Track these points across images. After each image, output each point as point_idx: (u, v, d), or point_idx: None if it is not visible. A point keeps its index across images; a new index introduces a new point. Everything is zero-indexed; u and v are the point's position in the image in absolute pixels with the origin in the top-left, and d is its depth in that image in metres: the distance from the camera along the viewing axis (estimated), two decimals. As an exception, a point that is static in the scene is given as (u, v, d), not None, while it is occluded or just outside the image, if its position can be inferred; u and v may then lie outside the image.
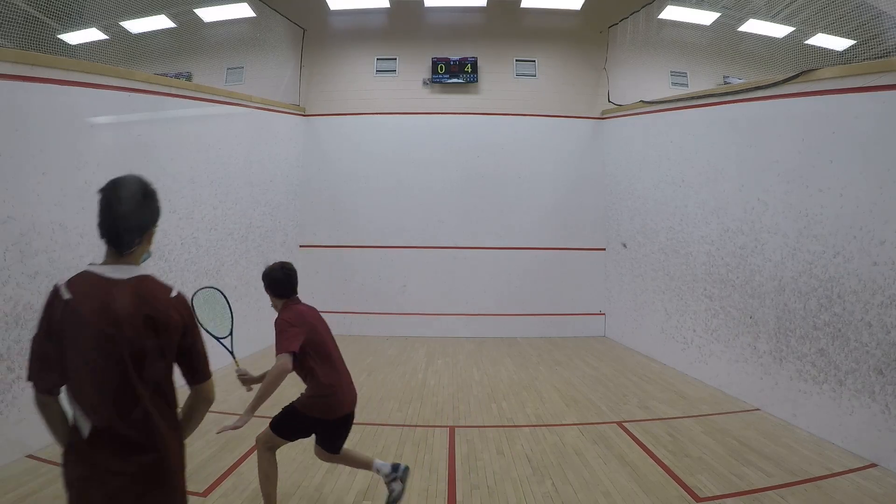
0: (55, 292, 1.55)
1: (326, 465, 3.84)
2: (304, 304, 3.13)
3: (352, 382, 3.17)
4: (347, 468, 3.77)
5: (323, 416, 3.05)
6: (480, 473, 3.77)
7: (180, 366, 1.67)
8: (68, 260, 4.40)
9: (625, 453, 4.14)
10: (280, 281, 3.07)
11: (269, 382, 2.90)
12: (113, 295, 1.55)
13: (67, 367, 1.50)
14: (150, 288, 1.64)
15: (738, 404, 5.39)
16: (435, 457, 4.07)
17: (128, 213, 1.66)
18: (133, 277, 1.62)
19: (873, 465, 3.84)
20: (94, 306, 1.52)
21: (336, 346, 3.15)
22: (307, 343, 2.94)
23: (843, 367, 4.28)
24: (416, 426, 4.77)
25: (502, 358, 7.62)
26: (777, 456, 4.05)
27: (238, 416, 2.82)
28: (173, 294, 1.69)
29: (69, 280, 1.57)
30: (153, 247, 1.83)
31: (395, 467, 3.24)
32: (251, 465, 3.82)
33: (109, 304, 1.53)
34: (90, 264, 1.62)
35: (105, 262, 1.63)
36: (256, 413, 2.80)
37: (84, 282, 1.57)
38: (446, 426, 4.74)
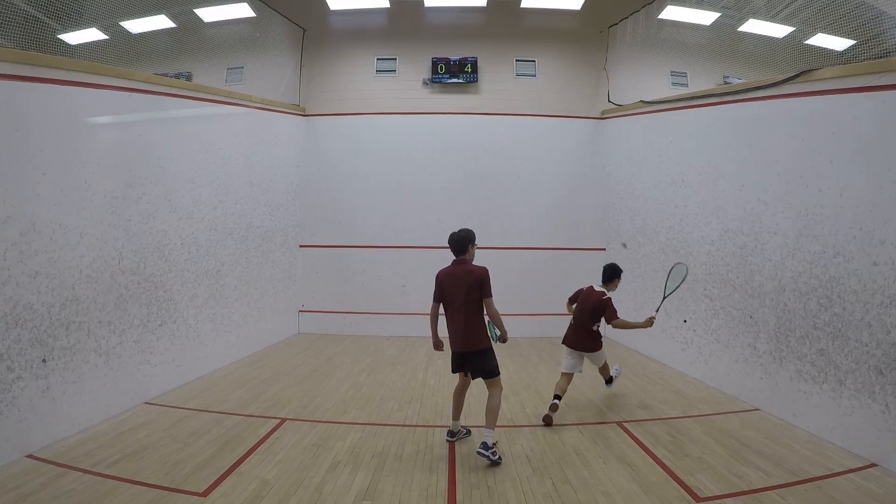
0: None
1: (327, 464, 3.86)
2: (447, 267, 4.17)
3: (458, 328, 4.04)
4: (348, 468, 3.82)
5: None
6: (480, 473, 3.77)
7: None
8: (68, 260, 4.40)
9: (625, 453, 4.13)
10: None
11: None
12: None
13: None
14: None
15: (738, 404, 5.39)
16: (435, 457, 4.07)
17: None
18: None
19: (873, 465, 3.84)
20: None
21: (456, 299, 4.04)
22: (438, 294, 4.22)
23: (843, 367, 4.27)
24: (416, 426, 4.77)
25: (502, 358, 7.50)
26: (777, 456, 4.05)
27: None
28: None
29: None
30: None
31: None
32: (251, 465, 3.84)
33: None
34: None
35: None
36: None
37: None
38: (446, 426, 4.73)
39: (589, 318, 5.06)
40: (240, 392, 5.74)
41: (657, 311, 4.98)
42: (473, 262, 4.13)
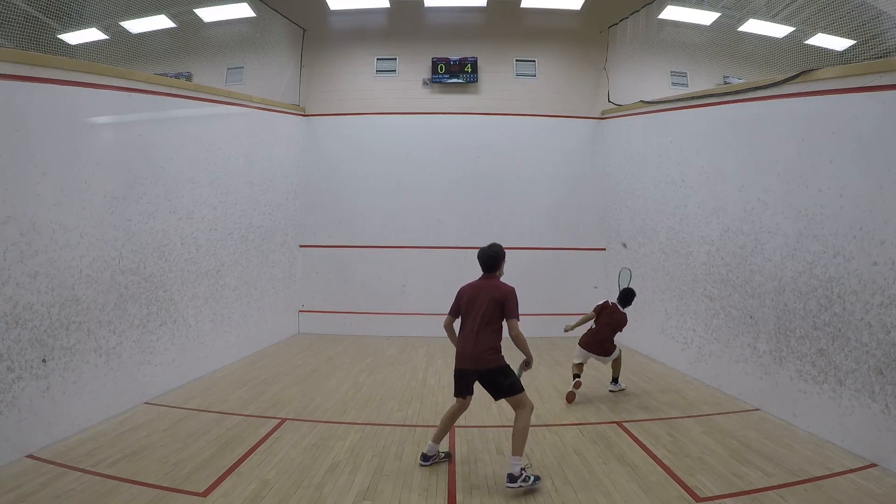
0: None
1: (327, 464, 3.86)
2: (474, 281, 3.88)
3: (469, 345, 3.65)
4: (348, 468, 3.81)
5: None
6: (480, 473, 3.77)
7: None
8: (68, 260, 4.40)
9: (625, 453, 4.13)
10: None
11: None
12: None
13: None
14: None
15: (738, 404, 5.39)
16: (435, 457, 4.07)
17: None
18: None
19: (873, 465, 3.84)
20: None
21: (475, 312, 3.69)
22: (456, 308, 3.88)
23: (843, 367, 4.28)
24: (416, 426, 4.77)
25: (502, 358, 7.61)
26: (777, 456, 4.05)
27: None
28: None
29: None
30: None
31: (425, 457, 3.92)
32: (251, 465, 3.84)
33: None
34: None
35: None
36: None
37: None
38: (446, 426, 4.75)
39: (613, 333, 5.62)
40: (240, 392, 5.74)
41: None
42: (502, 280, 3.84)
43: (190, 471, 3.71)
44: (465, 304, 3.77)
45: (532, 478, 3.43)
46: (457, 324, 3.87)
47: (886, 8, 5.73)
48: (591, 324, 5.72)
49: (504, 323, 3.64)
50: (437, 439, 3.94)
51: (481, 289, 3.75)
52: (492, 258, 3.84)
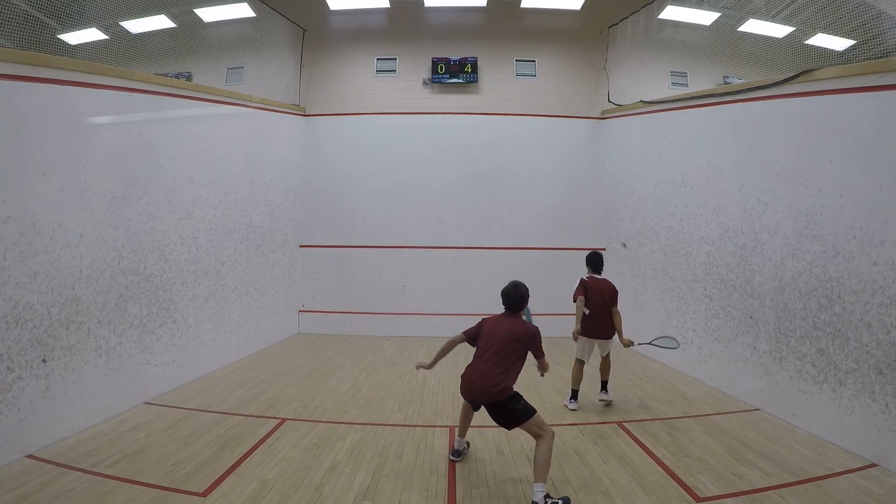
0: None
1: (327, 464, 3.86)
2: (497, 315, 3.80)
3: (477, 375, 3.55)
4: (348, 468, 3.82)
5: None
6: (480, 473, 3.77)
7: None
8: (68, 260, 4.40)
9: (625, 453, 4.14)
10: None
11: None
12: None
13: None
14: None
15: (738, 404, 5.39)
16: (435, 457, 4.07)
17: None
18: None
19: (873, 465, 3.85)
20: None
21: (491, 344, 3.61)
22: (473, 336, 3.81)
23: (843, 367, 4.28)
24: (416, 426, 4.77)
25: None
26: (777, 456, 4.05)
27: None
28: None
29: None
30: None
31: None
32: (251, 465, 3.84)
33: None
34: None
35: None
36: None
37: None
38: (446, 426, 4.74)
39: (610, 306, 5.27)
40: (240, 392, 5.74)
41: (638, 343, 5.12)
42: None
43: (190, 471, 3.71)
44: (485, 332, 3.68)
45: (560, 503, 3.19)
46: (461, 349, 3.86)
47: (886, 8, 5.73)
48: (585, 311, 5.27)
49: (516, 361, 3.59)
50: (462, 433, 4.08)
51: (503, 324, 3.67)
52: (518, 299, 3.75)
